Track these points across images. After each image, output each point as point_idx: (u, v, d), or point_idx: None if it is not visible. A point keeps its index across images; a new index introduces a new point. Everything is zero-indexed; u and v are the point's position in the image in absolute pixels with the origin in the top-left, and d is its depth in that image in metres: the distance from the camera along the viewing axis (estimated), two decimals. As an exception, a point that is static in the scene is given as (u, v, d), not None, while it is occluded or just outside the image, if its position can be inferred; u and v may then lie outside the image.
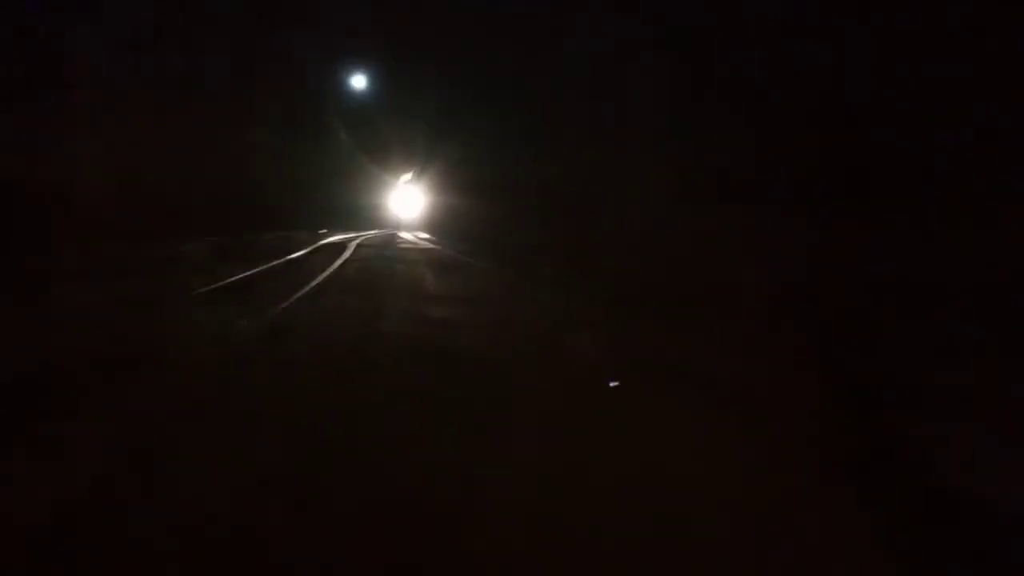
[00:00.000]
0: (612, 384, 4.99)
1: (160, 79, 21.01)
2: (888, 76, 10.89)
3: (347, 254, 16.45)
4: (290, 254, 14.04)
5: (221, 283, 8.68)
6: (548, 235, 21.28)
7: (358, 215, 37.98)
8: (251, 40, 26.92)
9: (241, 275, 9.51)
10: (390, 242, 25.31)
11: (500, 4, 23.48)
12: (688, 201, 14.62)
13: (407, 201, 40.51)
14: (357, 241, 23.37)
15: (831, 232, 10.29)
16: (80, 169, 15.66)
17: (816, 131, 11.21)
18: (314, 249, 16.96)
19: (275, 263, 11.99)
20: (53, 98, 16.14)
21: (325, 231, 28.08)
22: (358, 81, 38.60)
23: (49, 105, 16.04)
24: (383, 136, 37.55)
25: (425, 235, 33.77)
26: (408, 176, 40.49)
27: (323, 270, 11.77)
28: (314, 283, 9.84)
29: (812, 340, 6.75)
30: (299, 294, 8.53)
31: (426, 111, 35.42)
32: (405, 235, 33.76)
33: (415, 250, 21.88)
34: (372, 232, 32.71)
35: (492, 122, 28.31)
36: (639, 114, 17.76)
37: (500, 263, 15.96)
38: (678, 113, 15.36)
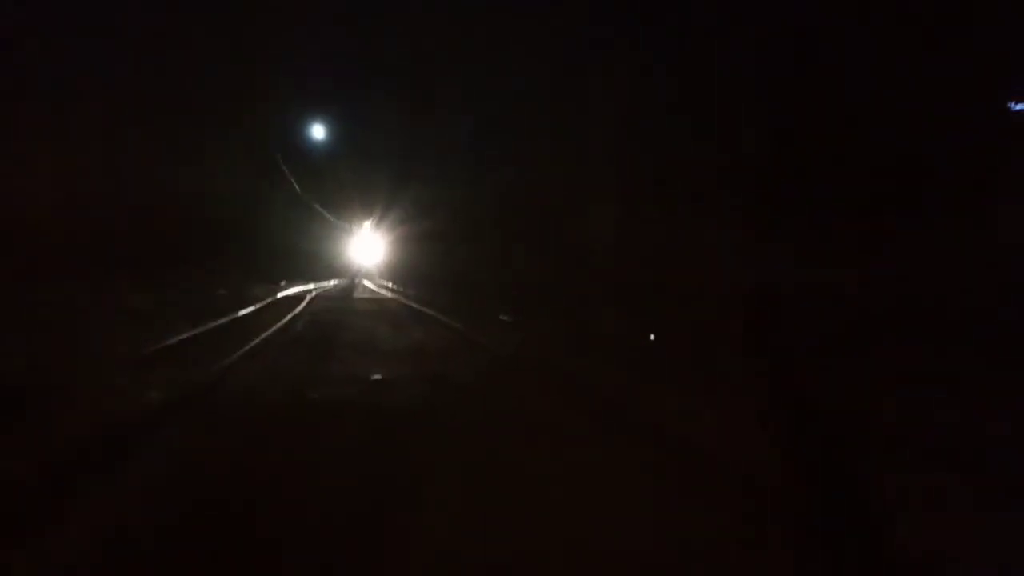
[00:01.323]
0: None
1: (108, 120, 20.52)
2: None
3: (300, 307, 16.13)
4: (240, 310, 13.66)
5: (158, 346, 8.33)
6: (509, 272, 21.14)
7: (317, 264, 37.59)
8: (208, 95, 26.71)
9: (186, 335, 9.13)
10: (347, 293, 24.99)
11: (458, 37, 23.66)
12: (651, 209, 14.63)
13: (367, 248, 40.32)
14: (313, 294, 23.01)
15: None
16: (24, 207, 15.19)
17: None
18: (267, 304, 16.58)
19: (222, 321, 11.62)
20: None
21: (284, 283, 27.64)
22: (316, 131, 38.63)
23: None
24: (342, 184, 37.46)
25: (383, 283, 33.48)
26: (368, 223, 40.39)
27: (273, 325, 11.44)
28: (259, 340, 9.53)
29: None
30: (240, 352, 8.20)
31: (385, 157, 35.47)
32: (363, 284, 33.44)
33: (371, 300, 21.59)
34: (330, 283, 32.29)
35: (453, 161, 28.29)
36: (602, 129, 17.80)
37: (457, 312, 15.74)
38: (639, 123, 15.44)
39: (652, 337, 10.06)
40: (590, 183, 17.97)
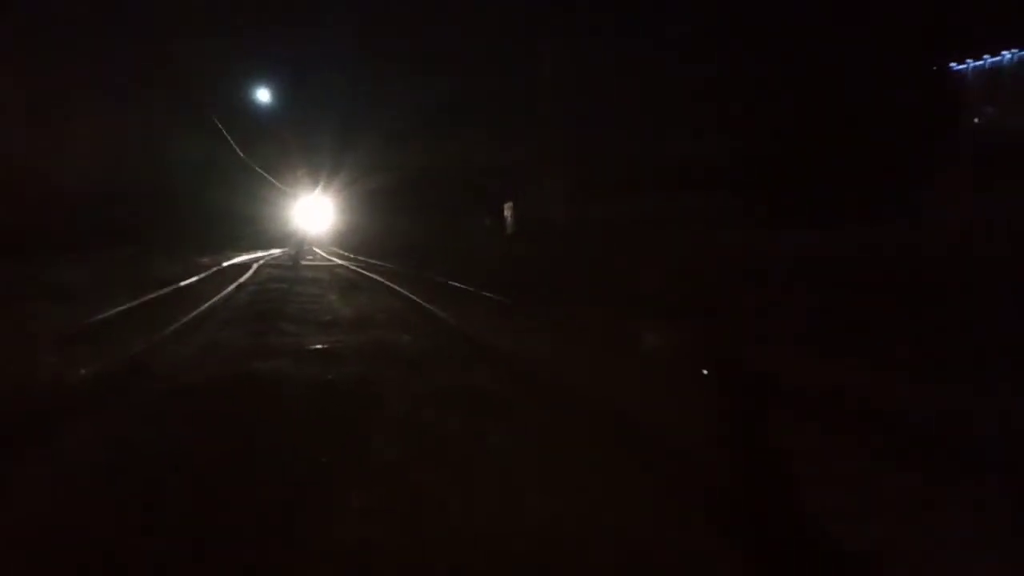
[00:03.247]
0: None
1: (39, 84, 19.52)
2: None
3: (246, 276, 15.68)
4: (180, 282, 13.19)
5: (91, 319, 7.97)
6: (464, 241, 20.84)
7: (264, 231, 36.66)
8: (138, 49, 25.59)
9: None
10: (295, 261, 24.41)
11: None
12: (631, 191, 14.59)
13: (314, 215, 39.41)
14: (260, 262, 22.46)
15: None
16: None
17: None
18: (210, 275, 16.09)
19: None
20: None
21: (229, 252, 26.89)
22: (261, 95, 37.42)
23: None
24: (288, 150, 36.52)
25: (333, 250, 32.87)
26: (315, 189, 39.49)
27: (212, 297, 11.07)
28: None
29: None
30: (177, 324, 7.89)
31: (332, 121, 34.63)
32: (313, 251, 32.76)
33: (321, 269, 21.16)
34: (278, 251, 31.54)
35: (412, 123, 27.56)
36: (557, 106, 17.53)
37: (407, 281, 15.50)
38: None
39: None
40: (544, 162, 17.75)
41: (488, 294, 11.44)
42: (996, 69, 10.67)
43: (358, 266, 21.40)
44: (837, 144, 9.98)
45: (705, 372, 5.35)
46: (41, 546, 2.75)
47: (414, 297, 11.53)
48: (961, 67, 11.39)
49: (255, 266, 19.99)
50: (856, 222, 9.25)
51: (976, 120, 10.98)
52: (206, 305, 10.17)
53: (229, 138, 30.47)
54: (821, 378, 5.12)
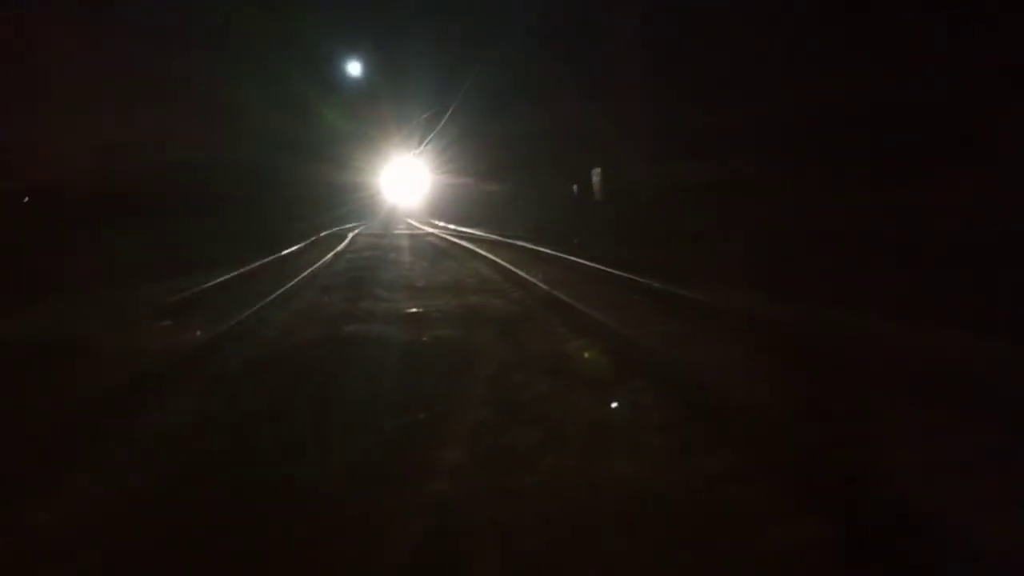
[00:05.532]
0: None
1: (126, 53, 20.29)
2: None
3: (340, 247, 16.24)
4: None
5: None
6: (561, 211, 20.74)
7: (358, 203, 37.57)
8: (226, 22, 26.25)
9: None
10: (388, 230, 25.03)
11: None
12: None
13: (407, 186, 40.09)
14: (356, 231, 23.14)
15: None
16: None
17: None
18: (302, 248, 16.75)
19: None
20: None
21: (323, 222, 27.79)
22: (352, 67, 38.20)
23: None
24: (382, 121, 37.19)
25: (424, 220, 33.42)
26: (409, 160, 40.13)
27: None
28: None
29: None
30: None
31: (426, 93, 34.86)
32: (405, 221, 33.42)
33: (411, 237, 21.63)
34: (374, 222, 32.37)
35: (501, 91, 27.31)
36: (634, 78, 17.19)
37: (498, 248, 15.62)
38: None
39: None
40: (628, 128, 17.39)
41: (578, 259, 11.38)
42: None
43: (449, 234, 21.70)
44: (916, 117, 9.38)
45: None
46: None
47: (505, 263, 11.61)
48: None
49: (350, 236, 20.67)
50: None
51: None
52: (307, 272, 10.63)
53: (322, 113, 31.39)
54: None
